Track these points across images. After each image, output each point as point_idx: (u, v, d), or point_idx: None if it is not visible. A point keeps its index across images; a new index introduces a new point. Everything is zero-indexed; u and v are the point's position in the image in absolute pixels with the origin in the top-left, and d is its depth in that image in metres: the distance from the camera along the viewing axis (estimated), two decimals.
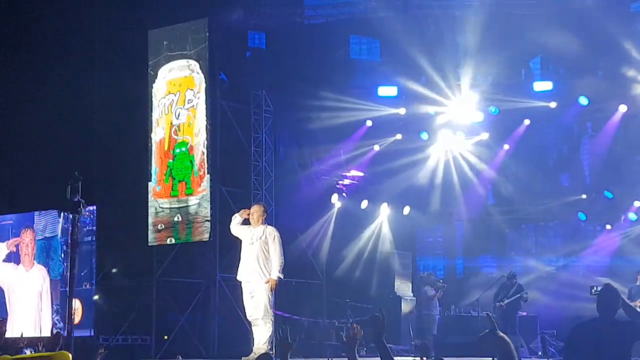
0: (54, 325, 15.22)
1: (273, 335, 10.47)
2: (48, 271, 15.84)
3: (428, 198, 17.93)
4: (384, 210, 18.16)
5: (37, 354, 8.20)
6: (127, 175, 15.83)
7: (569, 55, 15.82)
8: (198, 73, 15.29)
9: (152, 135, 15.71)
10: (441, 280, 16.55)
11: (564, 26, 15.34)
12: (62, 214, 15.27)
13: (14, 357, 6.87)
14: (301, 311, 16.00)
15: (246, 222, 10.89)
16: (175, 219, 15.17)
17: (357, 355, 5.96)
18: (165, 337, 15.64)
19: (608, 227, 17.60)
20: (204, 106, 15.12)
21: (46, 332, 15.07)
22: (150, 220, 15.36)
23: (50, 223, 15.99)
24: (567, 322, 14.84)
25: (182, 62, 15.51)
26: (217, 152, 15.29)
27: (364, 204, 17.98)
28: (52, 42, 16.50)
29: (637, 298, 14.12)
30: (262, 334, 10.55)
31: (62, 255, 15.66)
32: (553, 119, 16.99)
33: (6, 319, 12.97)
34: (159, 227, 15.32)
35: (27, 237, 16.19)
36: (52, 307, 15.62)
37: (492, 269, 18.52)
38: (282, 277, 10.65)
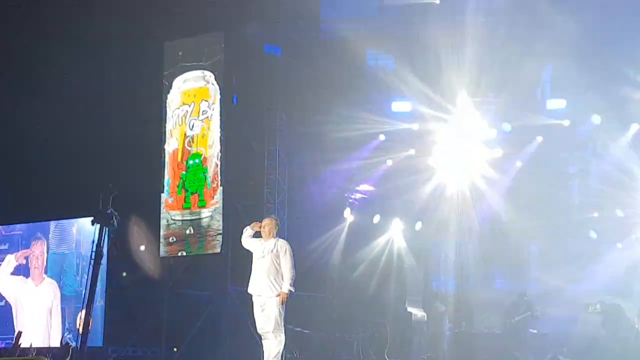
0: (63, 337, 14.93)
1: (284, 349, 10.47)
2: (60, 286, 15.27)
3: (440, 213, 17.90)
4: (396, 225, 18.15)
5: None
6: (140, 187, 15.86)
7: (581, 73, 15.83)
8: (213, 84, 15.27)
9: (165, 146, 15.73)
10: (451, 297, 16.53)
11: (576, 44, 15.39)
12: (75, 225, 15.12)
13: None
14: (312, 325, 15.98)
15: (257, 234, 10.92)
16: (187, 231, 15.11)
17: None
18: (175, 349, 15.63)
19: (619, 245, 17.55)
20: (219, 117, 15.11)
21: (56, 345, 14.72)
22: (162, 232, 15.35)
23: (66, 236, 15.60)
24: (578, 340, 14.80)
25: (198, 73, 15.51)
26: (230, 164, 15.30)
27: (376, 218, 17.98)
28: (66, 50, 16.58)
29: None
30: (272, 348, 10.55)
31: (78, 271, 15.26)
32: (566, 136, 16.99)
33: (21, 333, 12.69)
34: (170, 239, 15.28)
35: (37, 249, 15.58)
36: (62, 324, 15.04)
37: (504, 286, 18.46)
38: (293, 291, 10.65)
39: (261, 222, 10.98)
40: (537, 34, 15.94)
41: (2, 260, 15.80)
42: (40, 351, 12.61)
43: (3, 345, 15.07)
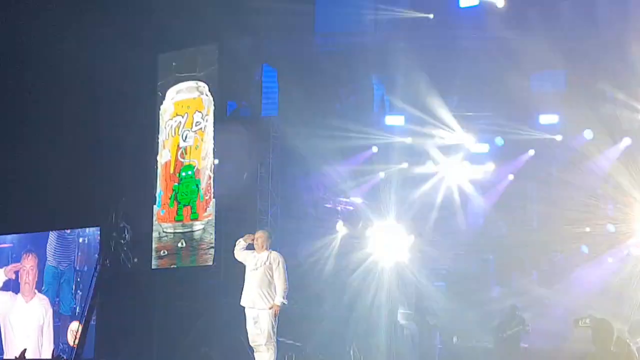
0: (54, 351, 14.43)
1: None
2: (57, 303, 14.59)
3: (433, 227, 17.93)
4: (389, 238, 18.14)
5: None
6: (133, 198, 15.82)
7: (573, 87, 15.93)
8: (207, 95, 15.22)
9: (158, 157, 15.66)
10: (442, 309, 16.55)
11: (568, 58, 15.49)
12: (78, 241, 14.83)
13: None
14: (304, 338, 15.94)
15: (250, 247, 10.92)
16: (179, 244, 15.03)
17: None
18: None
19: (610, 260, 17.59)
20: (212, 129, 15.04)
21: None
22: (154, 245, 15.23)
23: (66, 250, 15.16)
24: (569, 355, 14.81)
25: (191, 84, 15.43)
26: (223, 177, 15.27)
27: (369, 232, 17.97)
28: (59, 62, 16.58)
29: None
30: None
31: (74, 288, 14.84)
32: (558, 151, 17.05)
33: (25, 350, 12.17)
34: (161, 253, 15.16)
35: (28, 262, 15.06)
36: (55, 344, 14.41)
37: (495, 300, 18.46)
38: (286, 303, 10.67)
39: (254, 234, 10.99)
40: (529, 49, 16.01)
41: None
42: None
43: None
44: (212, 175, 14.92)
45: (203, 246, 14.77)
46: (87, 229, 15.35)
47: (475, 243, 18.38)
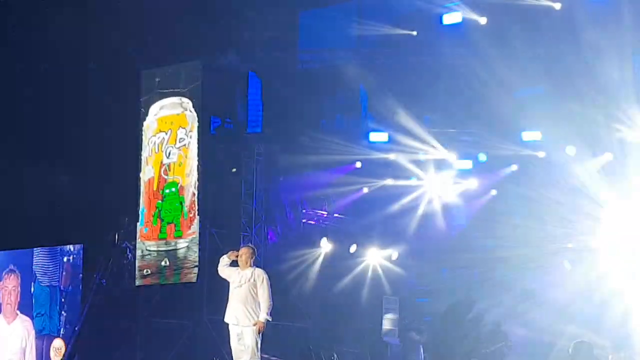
0: None
1: None
2: (39, 324, 14.21)
3: (416, 243, 17.96)
4: (372, 255, 18.17)
5: None
6: (115, 215, 15.77)
7: (556, 104, 16.02)
8: (191, 111, 15.11)
9: (141, 174, 15.56)
10: (426, 325, 16.57)
11: (550, 74, 15.59)
12: (63, 260, 14.64)
13: None
14: (288, 355, 15.90)
15: (234, 263, 10.90)
16: (163, 263, 14.86)
17: None
18: None
19: (592, 275, 17.66)
20: (196, 145, 14.95)
21: None
22: (137, 264, 15.04)
23: (54, 268, 14.83)
24: None
25: (175, 100, 15.31)
26: (207, 193, 15.23)
27: (353, 248, 17.99)
28: (42, 76, 16.53)
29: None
30: None
31: (59, 308, 14.47)
32: (541, 167, 17.14)
33: None
34: (144, 272, 14.95)
35: (10, 283, 14.78)
36: None
37: (479, 315, 18.48)
38: (270, 320, 10.64)
39: (238, 251, 10.97)
40: (512, 66, 16.12)
41: None
42: None
43: None
44: (196, 192, 14.80)
45: (187, 265, 14.62)
46: (72, 248, 15.21)
47: (459, 259, 18.42)
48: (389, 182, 17.60)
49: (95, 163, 15.87)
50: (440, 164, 17.12)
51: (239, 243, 14.75)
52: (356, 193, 17.66)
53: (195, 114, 15.07)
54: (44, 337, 14.51)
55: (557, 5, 15.43)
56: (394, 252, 18.21)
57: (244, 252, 10.87)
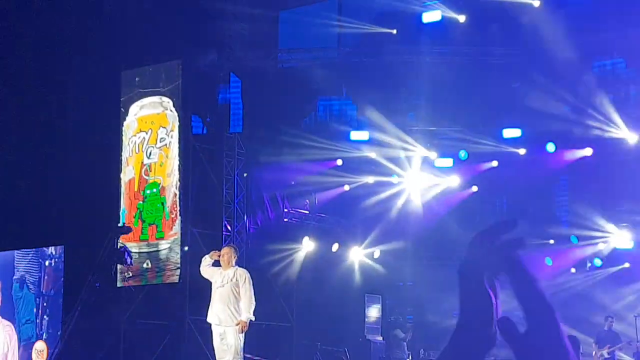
0: None
1: None
2: (19, 329, 13.95)
3: (399, 241, 17.99)
4: (354, 253, 18.19)
5: None
6: (96, 216, 15.67)
7: (535, 101, 16.09)
8: (171, 111, 14.96)
9: (122, 175, 15.42)
10: (410, 323, 16.59)
11: (532, 73, 15.65)
12: (45, 263, 14.44)
13: None
14: (271, 354, 15.89)
15: (217, 263, 10.86)
16: (145, 265, 14.74)
17: None
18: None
19: (572, 270, 17.79)
20: (177, 145, 14.81)
21: None
22: (118, 266, 14.93)
23: (34, 271, 14.59)
24: None
25: (155, 99, 15.14)
26: (188, 193, 15.16)
27: (335, 246, 18.00)
28: (24, 79, 16.43)
29: (605, 343, 14.24)
30: None
31: (40, 312, 14.18)
32: (522, 164, 17.21)
33: None
34: (126, 275, 14.78)
35: None
36: None
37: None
38: (253, 319, 10.61)
39: (220, 251, 10.93)
40: (494, 64, 16.18)
41: None
42: None
43: None
44: (177, 193, 14.65)
45: (169, 266, 14.47)
46: (53, 251, 15.09)
47: (440, 256, 18.46)
48: (370, 180, 17.63)
49: (77, 164, 15.77)
50: (421, 162, 17.16)
51: (221, 243, 14.71)
52: (337, 190, 17.68)
53: (176, 114, 14.91)
54: (28, 345, 14.37)
55: (537, 3, 15.50)
56: (376, 250, 18.24)
57: (225, 252, 10.83)
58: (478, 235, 2.18)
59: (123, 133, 15.44)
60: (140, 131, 15.23)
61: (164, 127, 14.95)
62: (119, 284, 15.05)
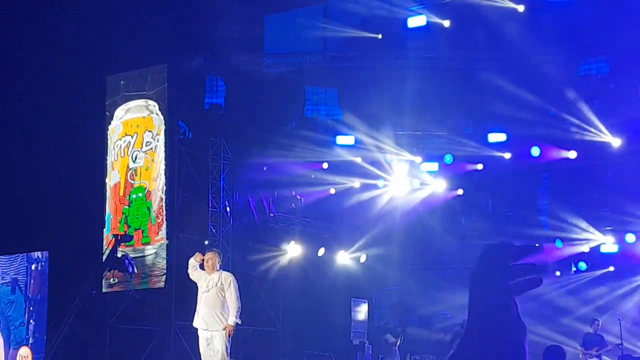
0: None
1: None
2: (6, 336, 13.83)
3: (385, 245, 18.02)
4: (341, 258, 18.20)
5: None
6: (81, 221, 15.60)
7: (520, 105, 16.16)
8: (157, 114, 14.82)
9: (107, 179, 15.30)
10: (400, 327, 16.61)
11: (518, 80, 15.73)
12: (31, 268, 14.33)
13: None
14: (258, 358, 15.86)
15: (202, 266, 10.85)
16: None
17: None
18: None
19: (557, 273, 17.85)
20: (164, 149, 14.70)
21: None
22: (104, 272, 14.82)
23: (23, 275, 14.46)
24: None
25: (141, 102, 14.97)
26: (174, 198, 15.08)
27: (321, 251, 18.00)
28: (8, 83, 16.36)
29: (591, 346, 14.30)
30: None
31: (27, 318, 14.19)
32: (507, 167, 17.29)
33: None
34: (111, 281, 14.64)
35: None
36: None
37: (448, 317, 18.59)
38: (239, 323, 10.60)
39: (204, 253, 10.92)
40: (479, 68, 16.25)
41: None
42: None
43: None
44: (164, 197, 14.53)
45: (155, 272, 14.35)
46: (39, 255, 14.99)
47: (427, 260, 18.51)
48: (356, 184, 17.66)
49: (61, 168, 15.70)
50: (407, 166, 17.20)
51: (206, 248, 14.65)
52: (323, 194, 17.69)
53: (162, 117, 14.78)
54: (18, 348, 14.32)
55: (521, 8, 15.58)
56: (362, 255, 18.25)
57: (210, 257, 10.81)
58: (493, 248, 2.21)
59: (108, 137, 15.32)
60: (126, 135, 15.09)
61: (150, 131, 14.82)
62: (104, 290, 14.96)
